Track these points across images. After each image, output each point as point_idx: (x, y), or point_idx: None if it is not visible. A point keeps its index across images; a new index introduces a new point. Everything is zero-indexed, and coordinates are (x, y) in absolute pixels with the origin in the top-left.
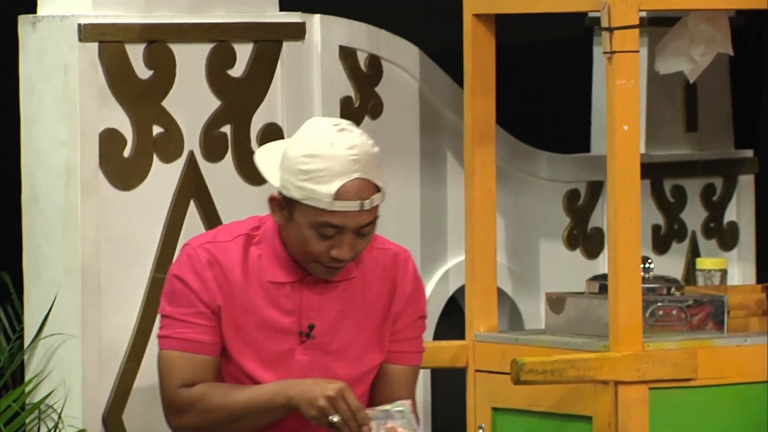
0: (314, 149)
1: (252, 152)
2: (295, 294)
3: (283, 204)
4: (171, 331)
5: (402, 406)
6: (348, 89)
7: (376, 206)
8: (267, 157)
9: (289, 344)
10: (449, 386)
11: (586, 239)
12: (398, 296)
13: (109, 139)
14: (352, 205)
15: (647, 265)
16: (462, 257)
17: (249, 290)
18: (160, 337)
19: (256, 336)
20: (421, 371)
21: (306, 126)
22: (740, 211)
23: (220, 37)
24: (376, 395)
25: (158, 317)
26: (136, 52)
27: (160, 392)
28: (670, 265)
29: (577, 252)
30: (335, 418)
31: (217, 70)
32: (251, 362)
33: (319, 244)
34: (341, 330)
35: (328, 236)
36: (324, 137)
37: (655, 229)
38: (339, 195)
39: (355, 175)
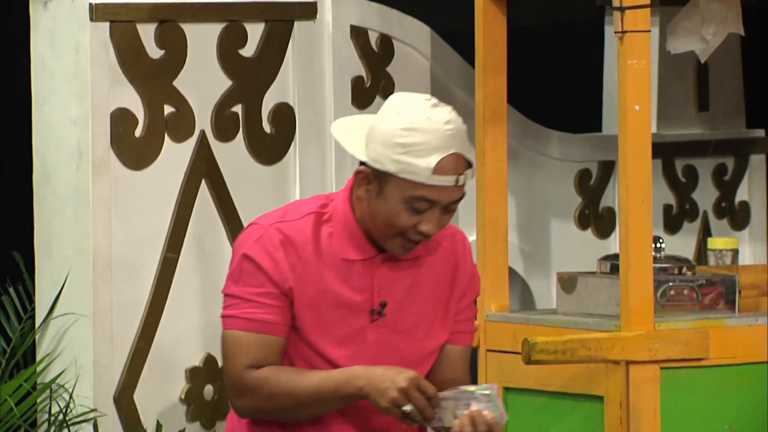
0: (412, 123)
1: (264, 132)
2: (367, 272)
3: (372, 177)
4: (238, 311)
5: (488, 389)
6: (359, 69)
7: (465, 183)
8: (345, 130)
9: (361, 322)
10: None
11: (597, 219)
12: (461, 276)
13: (121, 119)
14: (448, 180)
15: (658, 245)
16: (473, 237)
17: (322, 269)
18: (224, 316)
19: (330, 315)
20: None
21: (395, 100)
22: (752, 190)
23: (231, 17)
24: (432, 376)
25: (216, 297)
26: (147, 32)
27: (224, 372)
28: (682, 244)
29: (589, 232)
30: (408, 408)
31: (228, 50)
32: (324, 341)
33: (408, 218)
34: (409, 309)
35: (420, 210)
36: (420, 111)
37: (667, 208)
38: (437, 169)
39: (452, 150)
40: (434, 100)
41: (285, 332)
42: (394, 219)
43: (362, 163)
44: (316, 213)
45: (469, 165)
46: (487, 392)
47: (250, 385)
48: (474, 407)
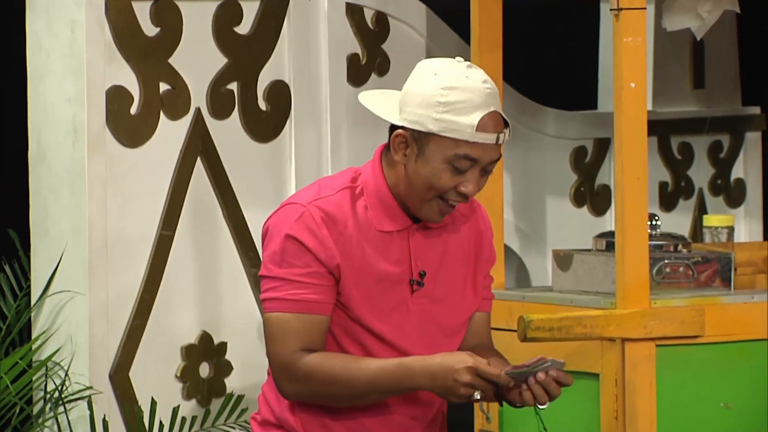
0: (452, 81)
1: (259, 109)
2: (403, 242)
3: (410, 140)
4: (284, 293)
5: (543, 362)
6: (355, 46)
7: (504, 142)
8: (374, 100)
9: (402, 294)
10: None
11: (593, 196)
12: (485, 242)
13: (116, 97)
14: (490, 138)
15: (654, 222)
16: None
17: (362, 243)
18: (268, 299)
19: (375, 290)
20: None
21: (427, 64)
22: (747, 168)
23: None
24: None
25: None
26: (142, 9)
27: (271, 355)
28: (677, 222)
29: (584, 209)
30: (478, 395)
31: (223, 27)
32: (371, 316)
33: (450, 178)
34: (444, 278)
35: (462, 170)
36: (457, 71)
37: (662, 186)
38: (480, 126)
39: (492, 108)
40: (467, 62)
41: (330, 311)
42: (435, 180)
43: (397, 128)
44: (349, 187)
45: (507, 124)
46: (547, 364)
47: (303, 370)
48: (540, 375)
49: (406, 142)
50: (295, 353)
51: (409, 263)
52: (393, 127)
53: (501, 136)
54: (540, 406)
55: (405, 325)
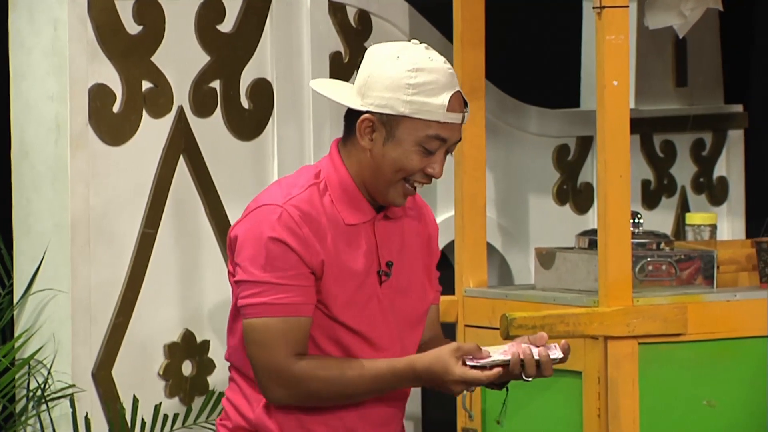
0: (418, 63)
1: (242, 107)
2: (369, 234)
3: (378, 124)
4: (270, 297)
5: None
6: (337, 44)
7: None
8: (329, 87)
9: (373, 286)
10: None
11: (575, 194)
12: (432, 234)
13: (99, 94)
14: (458, 117)
15: (637, 220)
16: (451, 212)
17: (336, 239)
18: (253, 305)
19: (351, 284)
20: None
21: (384, 49)
22: (730, 166)
23: None
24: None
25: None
26: (125, 7)
27: (259, 362)
28: (660, 220)
29: (567, 207)
30: (471, 388)
31: (206, 25)
32: (348, 313)
33: (419, 160)
34: (405, 268)
35: (431, 151)
36: (420, 53)
37: (645, 184)
38: (449, 106)
39: (456, 88)
40: (422, 44)
41: (313, 311)
42: (405, 162)
43: (357, 114)
44: (315, 183)
45: (467, 104)
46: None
47: (297, 376)
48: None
49: (373, 126)
50: (287, 358)
51: (376, 254)
52: (350, 115)
53: (466, 115)
54: (526, 379)
55: (376, 318)
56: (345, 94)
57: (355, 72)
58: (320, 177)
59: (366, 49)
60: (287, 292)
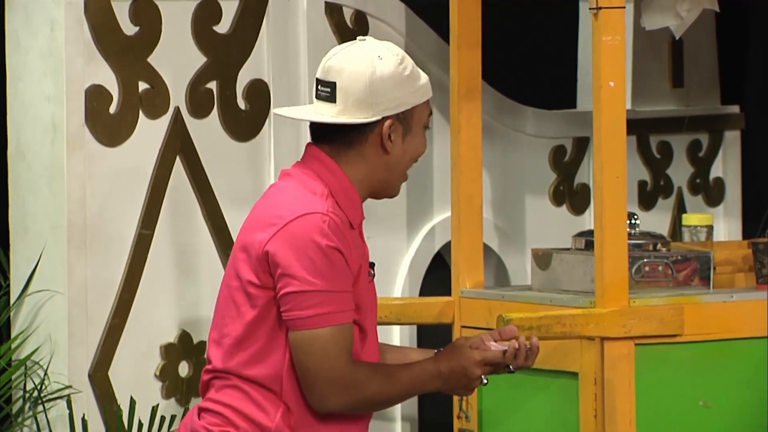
0: (397, 55)
1: (239, 108)
2: (360, 236)
3: (397, 124)
4: (332, 307)
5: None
6: (334, 45)
7: None
8: (301, 112)
9: (371, 287)
10: (435, 342)
11: (572, 195)
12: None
13: (95, 95)
14: None
15: (633, 221)
16: (448, 213)
17: (351, 244)
18: (319, 315)
19: (365, 285)
20: (408, 327)
21: (360, 52)
22: (726, 167)
23: None
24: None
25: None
26: (122, 8)
27: (323, 371)
28: (656, 221)
29: (563, 208)
30: (485, 380)
31: (203, 26)
32: (366, 314)
33: (425, 141)
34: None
35: (428, 128)
36: (387, 45)
37: (641, 185)
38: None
39: None
40: (367, 36)
41: None
42: (422, 149)
43: (354, 126)
44: (327, 192)
45: None
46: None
47: (358, 380)
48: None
49: (395, 127)
50: (349, 366)
51: (366, 255)
52: (343, 128)
53: None
54: (512, 370)
55: (372, 316)
56: (333, 111)
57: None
58: (325, 185)
59: None
60: (345, 300)
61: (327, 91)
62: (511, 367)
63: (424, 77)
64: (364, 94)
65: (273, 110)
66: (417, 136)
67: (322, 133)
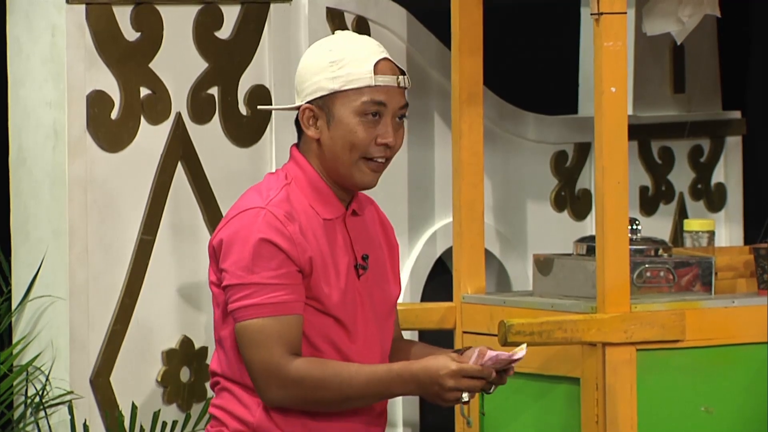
0: (333, 43)
1: (240, 114)
2: (343, 229)
3: (317, 110)
4: (261, 298)
5: (521, 352)
6: None
7: (406, 89)
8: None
9: (353, 281)
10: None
11: (573, 201)
12: (390, 235)
13: (97, 101)
14: (391, 80)
15: (635, 227)
16: (449, 219)
17: (317, 235)
18: (244, 307)
19: (336, 280)
20: (409, 332)
21: (311, 48)
22: (728, 172)
23: None
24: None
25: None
26: (123, 14)
27: (255, 363)
28: (658, 226)
29: (565, 213)
30: (466, 397)
31: (204, 32)
32: (337, 308)
33: (366, 131)
34: (375, 260)
35: (374, 117)
36: (334, 37)
37: (643, 190)
38: (377, 70)
39: (384, 55)
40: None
41: (303, 309)
42: (352, 137)
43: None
44: (287, 184)
45: (403, 72)
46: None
47: (293, 375)
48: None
49: (314, 114)
50: (283, 357)
51: (352, 249)
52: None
53: (401, 79)
54: (489, 391)
55: (358, 313)
56: (284, 103)
57: None
58: (289, 178)
59: None
60: (278, 291)
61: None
62: (495, 385)
63: (362, 68)
64: (296, 81)
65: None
66: (343, 124)
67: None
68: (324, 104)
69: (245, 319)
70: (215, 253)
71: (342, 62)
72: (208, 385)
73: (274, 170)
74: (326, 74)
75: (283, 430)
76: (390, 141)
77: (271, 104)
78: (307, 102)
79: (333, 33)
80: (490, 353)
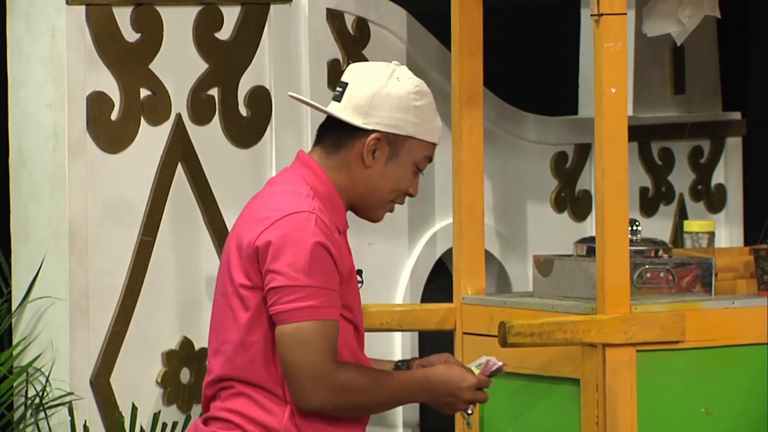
0: (419, 86)
1: (240, 115)
2: (346, 243)
3: (384, 143)
4: (315, 301)
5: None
6: (335, 52)
7: None
8: (308, 102)
9: (359, 292)
10: (437, 349)
11: (573, 202)
12: None
13: (97, 102)
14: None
15: (635, 228)
16: (450, 220)
17: (339, 245)
18: (300, 308)
19: (356, 289)
20: (409, 334)
21: (376, 69)
22: (728, 173)
23: (207, 0)
24: None
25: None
26: (123, 15)
27: (304, 365)
28: (658, 227)
29: (565, 214)
30: (471, 410)
31: (204, 33)
32: (358, 316)
33: (411, 180)
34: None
35: (420, 171)
36: (412, 75)
37: (643, 191)
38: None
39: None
40: (401, 64)
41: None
42: (402, 182)
43: (351, 130)
44: (314, 194)
45: None
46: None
47: (341, 381)
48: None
49: (382, 144)
50: (333, 362)
51: (353, 262)
52: (338, 130)
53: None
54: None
55: (360, 320)
56: (333, 108)
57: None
58: (311, 188)
59: (364, 57)
60: (330, 296)
61: (340, 90)
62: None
63: (437, 122)
64: (365, 101)
65: (288, 93)
66: (403, 168)
67: (320, 133)
68: (394, 141)
69: (297, 321)
70: (256, 255)
71: (424, 110)
72: None
73: (274, 172)
74: (409, 116)
75: None
76: (416, 194)
77: (271, 105)
78: (378, 131)
79: (333, 34)
80: (493, 363)
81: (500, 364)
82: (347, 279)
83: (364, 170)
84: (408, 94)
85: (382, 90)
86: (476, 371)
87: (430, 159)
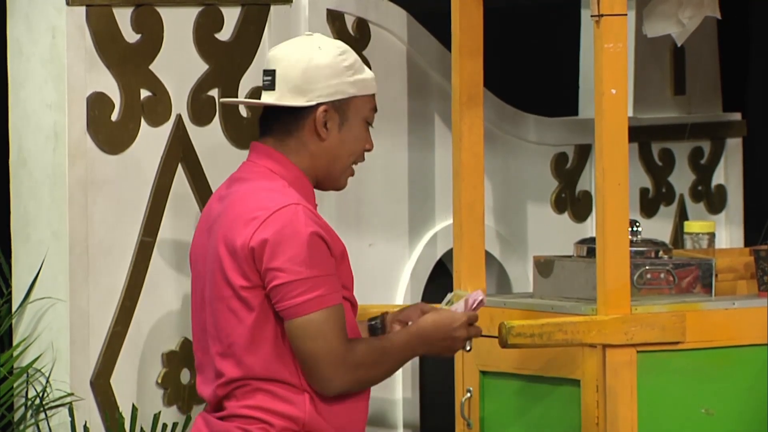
0: (340, 47)
1: (240, 116)
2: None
3: (332, 112)
4: (323, 289)
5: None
6: None
7: None
8: (241, 99)
9: (351, 267)
10: None
11: (574, 202)
12: None
13: (97, 103)
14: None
15: (635, 229)
16: (450, 220)
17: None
18: (306, 301)
19: (347, 266)
20: None
21: (295, 46)
22: (728, 174)
23: (207, 1)
24: None
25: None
26: (123, 16)
27: (322, 354)
28: (658, 228)
29: (565, 215)
30: (468, 346)
31: (204, 34)
32: (352, 292)
33: (367, 137)
34: None
35: (371, 124)
36: (329, 39)
37: (643, 192)
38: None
39: None
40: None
41: None
42: (359, 142)
43: (294, 112)
44: (288, 184)
45: None
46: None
47: (359, 359)
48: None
49: (331, 114)
50: (346, 344)
51: (341, 241)
52: (283, 115)
53: None
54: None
55: (354, 297)
56: (271, 98)
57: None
58: (281, 178)
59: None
60: (331, 282)
61: (268, 79)
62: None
63: (368, 73)
64: (300, 80)
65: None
66: (355, 129)
67: (264, 124)
68: (340, 107)
69: (308, 313)
70: (252, 255)
71: (354, 67)
72: None
73: None
74: (344, 78)
75: (329, 421)
76: (372, 148)
77: None
78: (323, 103)
79: (333, 34)
80: (473, 297)
81: (480, 297)
82: (340, 259)
83: (322, 144)
84: (335, 58)
85: (310, 64)
86: (454, 307)
87: (375, 109)
